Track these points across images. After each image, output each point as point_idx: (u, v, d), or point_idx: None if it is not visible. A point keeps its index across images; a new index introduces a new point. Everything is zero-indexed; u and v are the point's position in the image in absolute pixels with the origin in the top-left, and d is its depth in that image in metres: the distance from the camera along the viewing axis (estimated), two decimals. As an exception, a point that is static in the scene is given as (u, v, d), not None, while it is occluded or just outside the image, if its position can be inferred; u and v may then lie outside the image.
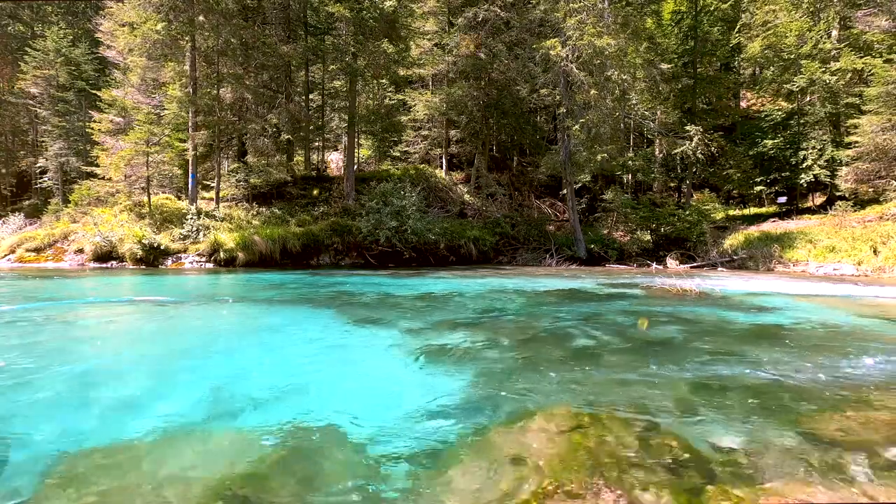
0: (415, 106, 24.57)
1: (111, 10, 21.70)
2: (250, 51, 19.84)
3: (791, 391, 4.01)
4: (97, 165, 19.87)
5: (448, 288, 11.43)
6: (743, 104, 30.11)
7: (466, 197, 24.17)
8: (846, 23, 21.84)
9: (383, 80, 23.17)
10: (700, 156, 21.13)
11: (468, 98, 23.31)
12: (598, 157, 19.47)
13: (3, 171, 30.24)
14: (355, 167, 22.96)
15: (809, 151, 21.74)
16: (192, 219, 17.17)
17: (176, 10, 17.89)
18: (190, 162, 18.39)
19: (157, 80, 19.89)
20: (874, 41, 20.18)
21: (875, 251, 15.33)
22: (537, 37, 21.54)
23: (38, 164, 28.21)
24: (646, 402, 3.74)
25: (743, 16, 25.50)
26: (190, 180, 18.60)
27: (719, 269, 17.73)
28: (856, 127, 18.70)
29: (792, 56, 21.92)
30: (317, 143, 25.00)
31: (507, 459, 2.84)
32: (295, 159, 24.72)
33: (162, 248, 16.12)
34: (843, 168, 19.67)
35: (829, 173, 21.09)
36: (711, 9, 24.75)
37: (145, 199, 18.70)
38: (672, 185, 26.54)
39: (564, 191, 22.11)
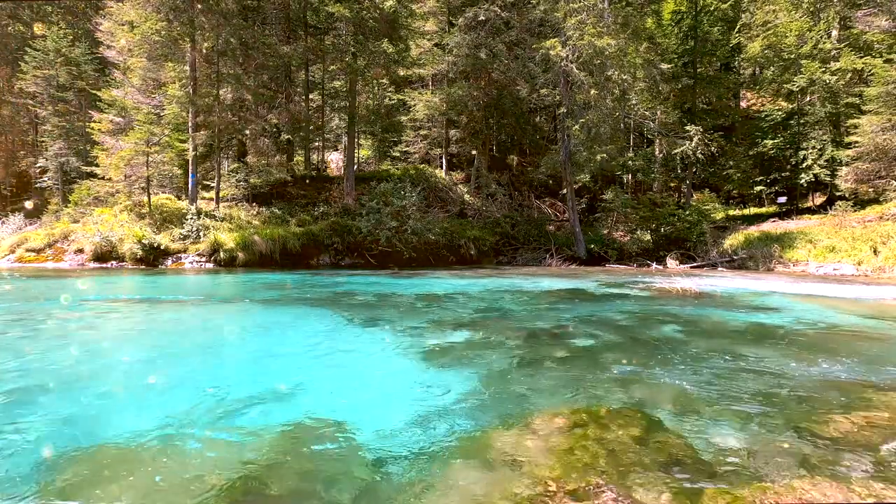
0: (415, 106, 24.57)
1: (111, 10, 21.69)
2: (250, 51, 19.83)
3: (791, 391, 4.01)
4: (97, 165, 19.85)
5: (448, 288, 11.43)
6: (743, 104, 30.11)
7: (466, 197, 24.16)
8: (846, 23, 21.85)
9: (383, 80, 23.17)
10: (700, 156, 21.13)
11: (468, 98, 23.31)
12: (598, 157, 19.46)
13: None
14: (355, 167, 22.96)
15: (809, 151, 21.75)
16: (192, 219, 17.16)
17: (176, 10, 17.87)
18: (190, 162, 18.38)
19: (157, 80, 19.87)
20: (874, 41, 20.19)
21: (875, 251, 15.33)
22: (537, 37, 21.54)
23: (38, 165, 28.21)
24: (646, 402, 3.74)
25: (743, 16, 25.49)
26: (190, 180, 18.59)
27: (719, 269, 17.73)
28: (856, 127, 18.70)
29: (792, 56, 21.92)
30: (317, 143, 24.98)
31: (508, 459, 2.84)
32: (295, 159, 24.71)
33: (162, 248, 16.12)
34: (843, 168, 19.67)
35: (829, 173, 21.09)
36: (711, 9, 24.74)
37: (145, 199, 18.69)
38: (672, 185, 26.54)
39: (564, 191, 22.10)
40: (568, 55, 19.17)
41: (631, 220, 21.69)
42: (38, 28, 26.72)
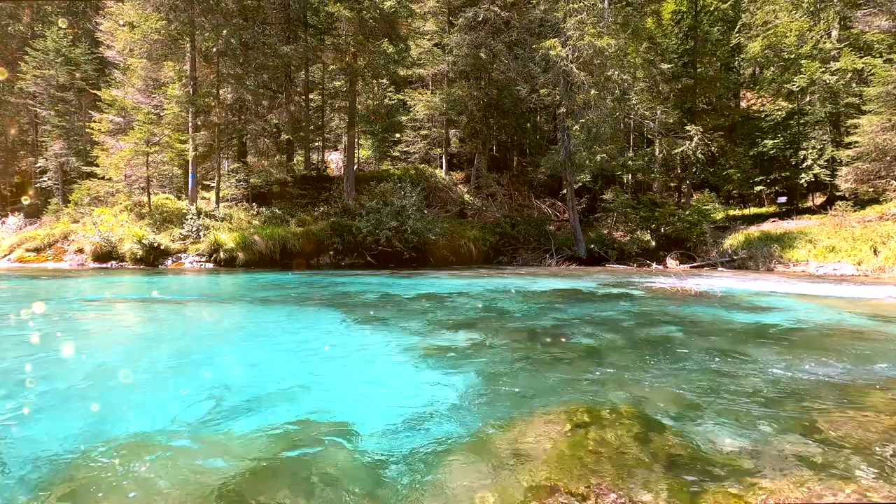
0: (415, 106, 24.58)
1: (111, 9, 21.71)
2: (250, 51, 19.83)
3: (791, 391, 4.01)
4: (97, 165, 19.86)
5: (448, 288, 11.42)
6: (743, 104, 30.12)
7: (466, 197, 24.16)
8: (846, 23, 21.86)
9: (383, 80, 23.19)
10: (700, 156, 21.14)
11: (468, 98, 23.32)
12: (598, 157, 19.47)
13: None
14: (355, 167, 22.96)
15: (809, 151, 21.75)
16: (192, 219, 17.17)
17: (176, 9, 17.88)
18: (190, 162, 18.39)
19: (157, 80, 19.88)
20: (874, 41, 20.20)
21: (875, 251, 15.33)
22: (537, 37, 21.56)
23: (38, 165, 28.22)
24: (646, 402, 3.74)
25: (743, 16, 25.52)
26: (190, 180, 18.60)
27: (719, 269, 17.73)
28: (856, 127, 18.70)
29: (792, 56, 21.93)
30: (317, 143, 24.98)
31: (508, 459, 2.84)
32: (295, 159, 24.71)
33: (162, 248, 16.12)
34: (843, 168, 19.68)
35: (829, 173, 21.10)
36: (711, 9, 24.76)
37: (145, 199, 18.70)
38: (672, 185, 26.55)
39: (564, 191, 22.11)
40: (568, 55, 19.18)
41: (631, 220, 21.70)
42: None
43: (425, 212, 19.84)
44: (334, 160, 28.07)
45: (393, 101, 25.23)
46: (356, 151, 24.64)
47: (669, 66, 21.72)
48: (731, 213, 25.55)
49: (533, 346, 5.77)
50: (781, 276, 15.01)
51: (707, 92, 25.52)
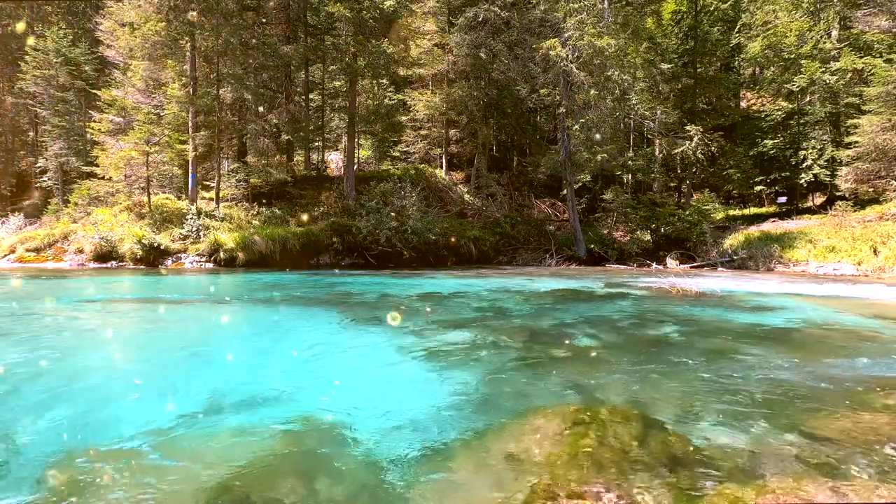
0: (415, 106, 24.59)
1: (111, 9, 21.71)
2: (250, 51, 19.84)
3: (791, 391, 4.01)
4: (97, 165, 19.85)
5: (448, 288, 11.42)
6: (743, 104, 30.11)
7: (466, 197, 24.16)
8: (846, 23, 21.85)
9: (383, 80, 23.20)
10: (700, 156, 21.13)
11: (468, 98, 23.32)
12: (598, 157, 19.46)
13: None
14: (355, 167, 22.96)
15: (809, 151, 21.75)
16: (192, 219, 17.17)
17: (176, 10, 17.88)
18: (190, 162, 18.38)
19: (158, 80, 19.89)
20: (874, 41, 20.19)
21: (875, 251, 15.33)
22: (537, 37, 21.55)
23: (38, 165, 28.22)
24: (646, 402, 3.74)
25: (743, 16, 25.52)
26: (190, 180, 18.60)
27: (719, 269, 17.73)
28: (856, 127, 18.70)
29: (792, 56, 21.93)
30: (317, 143, 24.99)
31: (508, 459, 2.84)
32: (295, 159, 24.71)
33: (162, 248, 16.12)
34: (843, 168, 19.67)
35: (829, 173, 21.10)
36: (711, 9, 24.76)
37: (145, 199, 18.69)
38: (672, 185, 26.55)
39: (564, 191, 22.11)
40: (568, 55, 19.17)
41: (631, 220, 21.69)
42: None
43: (425, 212, 19.84)
44: (334, 160, 28.07)
45: (393, 101, 25.23)
46: (356, 151, 24.63)
47: (669, 66, 21.73)
48: (731, 213, 25.54)
49: (532, 347, 5.77)
50: (781, 276, 15.01)
51: (707, 92, 25.52)
